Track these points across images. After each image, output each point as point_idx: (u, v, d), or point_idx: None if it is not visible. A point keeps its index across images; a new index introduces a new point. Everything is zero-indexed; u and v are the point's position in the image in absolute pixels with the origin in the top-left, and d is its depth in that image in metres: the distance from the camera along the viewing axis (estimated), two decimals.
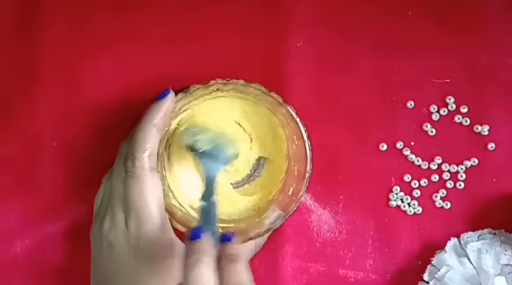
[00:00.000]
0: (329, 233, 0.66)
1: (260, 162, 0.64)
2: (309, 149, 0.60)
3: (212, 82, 0.60)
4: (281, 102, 0.60)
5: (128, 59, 0.66)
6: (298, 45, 0.67)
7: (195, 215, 0.62)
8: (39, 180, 0.65)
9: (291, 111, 0.60)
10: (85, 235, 0.61)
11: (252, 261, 0.62)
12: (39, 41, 0.66)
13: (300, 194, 0.61)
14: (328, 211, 0.66)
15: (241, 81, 0.60)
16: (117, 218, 0.57)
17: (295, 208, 0.61)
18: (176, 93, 0.60)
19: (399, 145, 0.66)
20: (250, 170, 0.64)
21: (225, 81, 0.60)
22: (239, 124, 0.63)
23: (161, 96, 0.59)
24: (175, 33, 0.66)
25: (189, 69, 0.66)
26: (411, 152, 0.66)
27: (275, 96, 0.60)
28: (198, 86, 0.60)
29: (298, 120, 0.60)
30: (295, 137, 0.61)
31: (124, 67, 0.66)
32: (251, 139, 0.63)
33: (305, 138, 0.60)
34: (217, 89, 0.60)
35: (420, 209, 0.66)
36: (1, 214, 0.65)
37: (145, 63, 0.66)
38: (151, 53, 0.66)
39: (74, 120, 0.66)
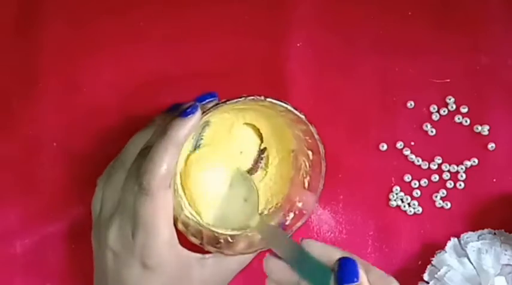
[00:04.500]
0: (329, 233, 0.66)
1: (261, 156, 0.63)
2: (324, 168, 0.60)
3: (242, 98, 0.57)
4: (305, 120, 0.59)
5: (128, 59, 0.66)
6: (298, 45, 0.67)
7: (202, 221, 0.61)
8: (39, 180, 0.65)
9: (312, 130, 0.59)
10: (85, 235, 0.61)
11: (252, 262, 0.62)
12: (39, 41, 0.66)
13: (311, 208, 0.60)
14: (328, 211, 0.66)
15: (269, 99, 0.57)
16: (124, 230, 0.56)
17: (304, 221, 0.61)
18: (200, 100, 0.57)
19: (399, 145, 0.66)
20: (252, 164, 0.63)
21: (253, 98, 0.57)
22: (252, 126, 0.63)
23: (188, 112, 0.55)
24: (175, 33, 0.66)
25: (189, 69, 0.66)
26: (411, 152, 0.66)
27: (301, 114, 0.58)
28: (225, 102, 0.57)
29: (318, 138, 0.59)
30: (310, 152, 0.60)
31: (124, 67, 0.66)
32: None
33: (322, 156, 0.59)
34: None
35: (420, 209, 0.66)
36: (1, 214, 0.65)
37: (145, 63, 0.66)
38: (151, 53, 0.66)
39: (74, 120, 0.66)
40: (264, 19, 0.67)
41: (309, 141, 0.60)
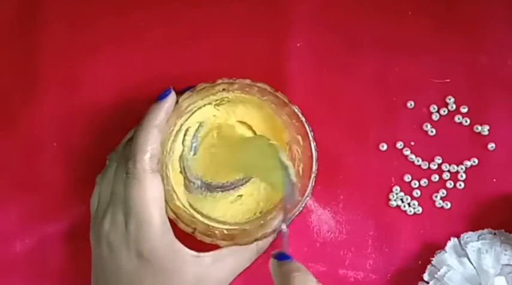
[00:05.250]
0: (329, 233, 0.66)
1: None
2: (315, 150, 0.60)
3: (219, 81, 0.60)
4: (287, 101, 0.60)
5: (128, 59, 0.66)
6: (298, 45, 0.67)
7: (198, 216, 0.61)
8: (39, 180, 0.65)
9: (296, 110, 0.60)
10: (85, 235, 0.61)
11: (253, 263, 0.62)
12: (40, 41, 0.66)
13: (306, 194, 0.60)
14: (329, 211, 0.66)
15: (247, 81, 0.60)
16: (117, 219, 0.57)
17: (301, 209, 0.61)
18: (182, 92, 0.60)
19: (399, 145, 0.66)
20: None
21: (231, 81, 0.60)
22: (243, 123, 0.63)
23: (162, 96, 0.59)
24: (175, 33, 0.66)
25: (189, 69, 0.66)
26: (411, 152, 0.66)
27: (281, 95, 0.60)
28: (204, 85, 0.60)
29: (303, 120, 0.60)
30: (300, 137, 0.61)
31: (124, 67, 0.66)
32: None
33: (311, 138, 0.60)
34: (223, 89, 0.60)
35: (420, 209, 0.66)
36: (1, 213, 0.65)
37: (144, 63, 0.66)
38: (151, 53, 0.66)
39: (74, 120, 0.66)
40: (264, 19, 0.67)
41: (296, 124, 0.60)
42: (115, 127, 0.65)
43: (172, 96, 0.59)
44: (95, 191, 0.61)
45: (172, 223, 0.59)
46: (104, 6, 0.66)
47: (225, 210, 0.62)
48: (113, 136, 0.64)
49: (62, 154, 0.66)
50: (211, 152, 0.63)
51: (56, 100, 0.66)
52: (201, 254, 0.59)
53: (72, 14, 0.66)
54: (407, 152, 0.66)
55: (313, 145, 0.60)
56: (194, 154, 0.63)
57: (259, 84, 0.60)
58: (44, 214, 0.65)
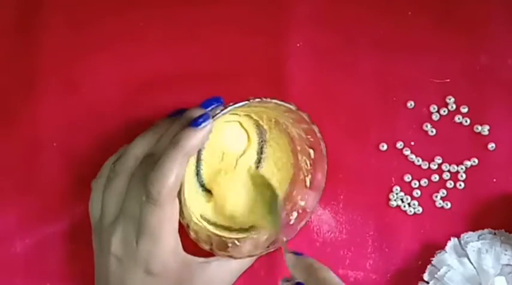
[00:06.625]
0: (329, 233, 0.66)
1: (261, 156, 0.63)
2: (326, 165, 0.60)
3: (247, 101, 0.56)
4: (308, 120, 0.59)
5: (128, 59, 0.66)
6: (298, 45, 0.67)
7: (209, 227, 0.61)
8: (39, 180, 0.65)
9: (315, 130, 0.59)
10: (85, 235, 0.61)
11: (253, 263, 0.62)
12: (39, 41, 0.66)
13: (313, 207, 0.61)
14: (329, 210, 0.66)
15: (274, 100, 0.57)
16: (128, 236, 0.56)
17: (308, 219, 0.61)
18: (206, 104, 0.57)
19: (399, 145, 0.66)
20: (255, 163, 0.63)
21: (260, 100, 0.56)
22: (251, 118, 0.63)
23: (198, 122, 0.55)
24: (175, 33, 0.66)
25: (189, 69, 0.66)
26: (411, 152, 0.66)
27: (305, 115, 0.59)
28: (233, 106, 0.56)
29: (320, 137, 0.60)
30: (311, 151, 0.61)
31: (124, 67, 0.66)
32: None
33: (324, 154, 0.60)
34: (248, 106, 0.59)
35: (420, 209, 0.66)
36: (1, 214, 0.65)
37: (144, 64, 0.66)
38: (150, 53, 0.66)
39: (74, 120, 0.66)
40: (264, 19, 0.67)
41: (311, 139, 0.60)
42: (115, 127, 0.65)
43: (210, 126, 0.54)
44: (92, 197, 0.60)
45: (183, 237, 0.58)
46: (103, 6, 0.66)
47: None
48: (113, 136, 0.64)
49: (62, 154, 0.66)
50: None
51: (56, 100, 0.66)
52: (208, 259, 0.59)
53: (72, 14, 0.66)
54: (407, 152, 0.66)
55: (325, 160, 0.60)
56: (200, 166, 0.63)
57: (287, 104, 0.57)
58: (44, 214, 0.65)
